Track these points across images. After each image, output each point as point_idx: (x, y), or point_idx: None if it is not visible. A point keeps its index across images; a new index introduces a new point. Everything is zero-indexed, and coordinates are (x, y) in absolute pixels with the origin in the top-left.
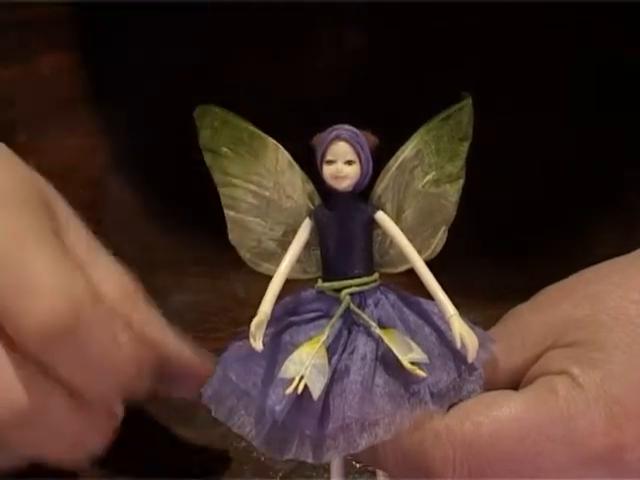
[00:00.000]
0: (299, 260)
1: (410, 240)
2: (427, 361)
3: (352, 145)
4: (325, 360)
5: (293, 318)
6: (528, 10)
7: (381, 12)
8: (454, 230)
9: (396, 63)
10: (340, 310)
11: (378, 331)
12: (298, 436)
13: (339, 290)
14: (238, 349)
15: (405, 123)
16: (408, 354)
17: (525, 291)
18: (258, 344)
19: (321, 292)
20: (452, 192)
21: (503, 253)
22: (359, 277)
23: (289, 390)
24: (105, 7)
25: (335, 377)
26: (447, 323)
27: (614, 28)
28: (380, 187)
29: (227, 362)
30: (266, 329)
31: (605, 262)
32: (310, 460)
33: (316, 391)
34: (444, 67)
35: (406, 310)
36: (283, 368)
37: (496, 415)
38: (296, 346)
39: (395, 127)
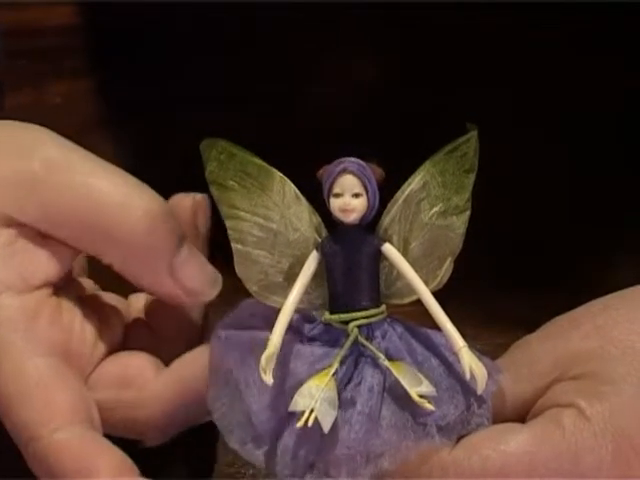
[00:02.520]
0: (306, 292)
1: (417, 271)
2: (435, 394)
3: (359, 178)
4: (335, 393)
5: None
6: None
7: (390, 42)
8: (461, 259)
9: (404, 95)
10: (348, 343)
11: (386, 363)
12: (302, 464)
13: (346, 322)
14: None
15: (412, 155)
16: (417, 387)
17: (534, 321)
18: (268, 377)
19: (328, 324)
20: (459, 224)
21: (511, 282)
22: (366, 309)
23: (300, 424)
24: (116, 36)
25: (340, 406)
26: (455, 355)
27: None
28: (387, 219)
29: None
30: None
31: (615, 293)
32: None
33: (326, 425)
34: (453, 98)
35: (414, 342)
36: (292, 402)
37: (504, 449)
38: (303, 379)
39: (402, 159)
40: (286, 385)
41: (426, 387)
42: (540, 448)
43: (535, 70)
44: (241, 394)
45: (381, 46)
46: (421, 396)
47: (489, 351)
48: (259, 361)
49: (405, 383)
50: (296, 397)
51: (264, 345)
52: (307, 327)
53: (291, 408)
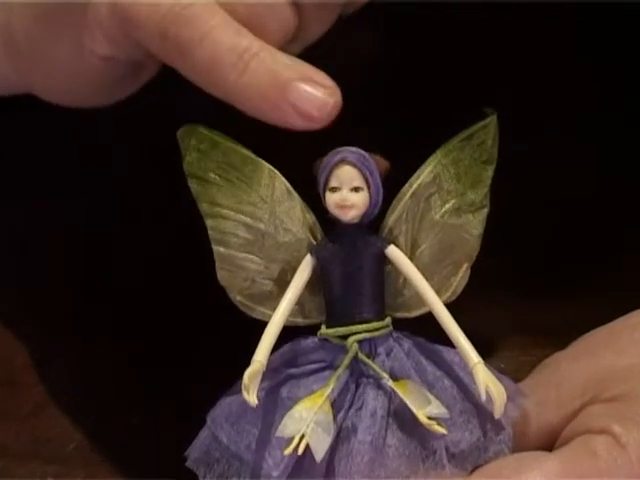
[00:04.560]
0: (299, 303)
1: (427, 279)
2: (447, 416)
3: (359, 170)
4: (330, 416)
5: (292, 370)
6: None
7: (398, 16)
8: (478, 266)
9: (412, 73)
10: (347, 360)
11: (390, 383)
12: None
13: (345, 337)
14: (228, 406)
15: (421, 143)
16: (425, 408)
17: (563, 336)
18: (252, 398)
19: (324, 340)
20: (475, 223)
21: (537, 291)
22: (368, 322)
23: (288, 451)
24: None
25: (341, 436)
26: (470, 374)
27: None
28: (392, 218)
29: (216, 421)
30: (261, 382)
31: None
32: None
33: (319, 452)
34: (467, 81)
35: (423, 360)
36: (281, 426)
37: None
38: (295, 401)
39: (409, 148)
40: (277, 412)
41: (436, 408)
42: (569, 478)
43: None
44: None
45: (390, 24)
46: (431, 418)
47: (511, 371)
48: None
49: (411, 403)
50: (285, 420)
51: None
52: (301, 343)
53: (278, 433)
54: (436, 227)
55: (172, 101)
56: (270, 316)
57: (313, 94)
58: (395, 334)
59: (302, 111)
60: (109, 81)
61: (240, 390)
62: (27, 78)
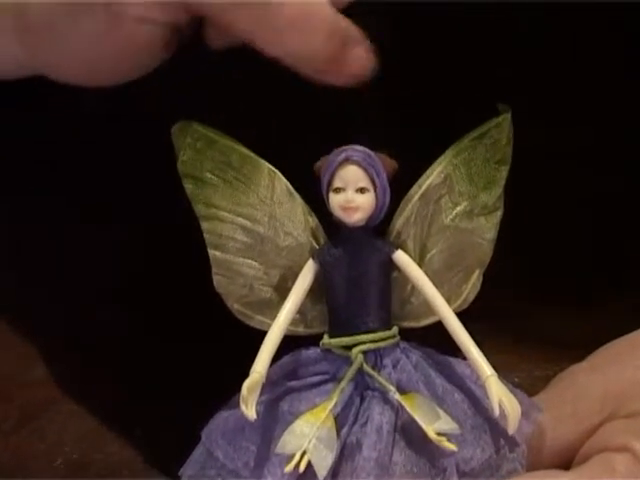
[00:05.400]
0: (300, 311)
1: (437, 286)
2: (458, 432)
3: (365, 169)
4: (333, 432)
5: (293, 383)
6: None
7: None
8: (491, 273)
9: (416, 70)
10: (351, 372)
11: (397, 397)
12: None
13: (349, 347)
14: (225, 421)
15: (431, 142)
16: (434, 423)
17: (580, 349)
18: (251, 411)
19: (327, 350)
20: (488, 227)
21: (554, 301)
22: (374, 332)
23: (288, 469)
24: None
25: (345, 453)
26: (482, 388)
27: None
28: (400, 221)
29: (211, 437)
30: (260, 395)
31: None
32: None
33: (322, 470)
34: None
35: (432, 372)
36: (281, 442)
37: None
38: (296, 416)
39: (418, 147)
40: (277, 427)
41: (446, 423)
42: None
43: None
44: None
45: (398, 21)
46: (440, 434)
47: (526, 385)
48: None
49: (419, 418)
50: (285, 436)
51: None
52: (303, 354)
53: (278, 449)
54: (446, 231)
55: (168, 97)
56: (270, 325)
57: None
58: (402, 345)
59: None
60: (134, 50)
61: (238, 403)
62: (40, 55)
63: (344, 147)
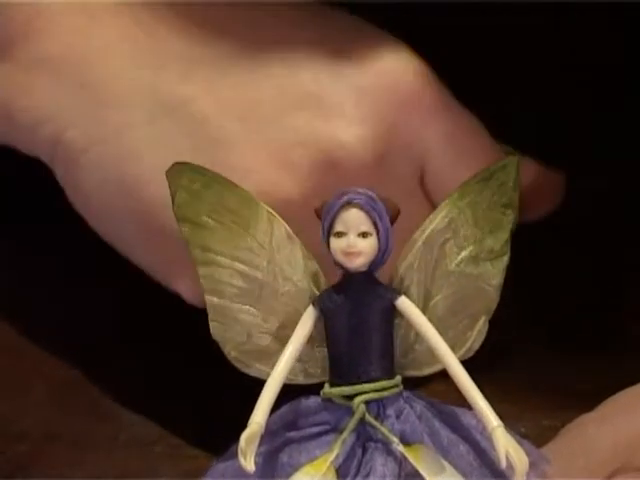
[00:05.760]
0: (300, 360)
1: (441, 333)
2: None
3: (367, 213)
4: None
5: (292, 433)
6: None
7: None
8: (496, 319)
9: None
10: (353, 422)
11: (401, 448)
12: None
13: (351, 397)
14: (222, 473)
15: None
16: (439, 475)
17: (590, 398)
18: (249, 463)
19: (328, 400)
20: (494, 272)
21: (562, 347)
22: (376, 381)
23: None
24: None
25: None
26: (489, 439)
27: None
28: (403, 266)
29: None
30: (258, 447)
31: None
32: None
33: None
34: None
35: (437, 423)
36: None
37: None
38: (296, 468)
39: None
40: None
41: (451, 476)
42: None
43: None
44: None
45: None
46: None
47: (534, 435)
48: None
49: (424, 470)
50: None
51: None
52: (303, 403)
53: None
54: (451, 277)
55: None
56: (268, 374)
57: None
58: (406, 394)
59: None
60: None
61: (236, 454)
62: None
63: (345, 189)
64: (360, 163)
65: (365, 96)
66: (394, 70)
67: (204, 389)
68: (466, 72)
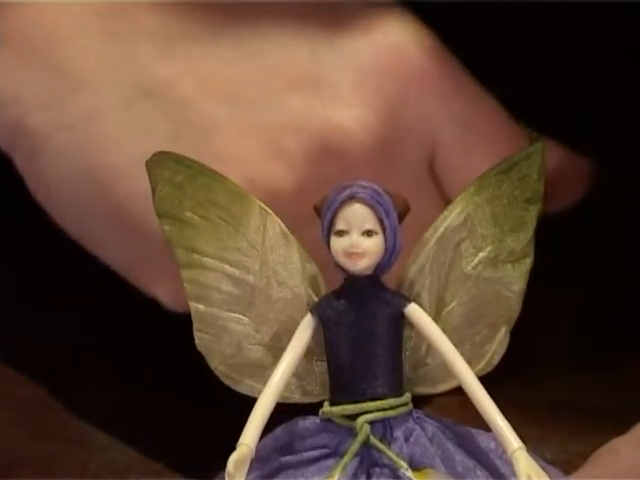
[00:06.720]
0: (296, 375)
1: (456, 345)
2: None
3: (372, 208)
4: None
5: (287, 458)
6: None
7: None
8: (520, 328)
9: None
10: (355, 445)
11: (410, 474)
12: None
13: (354, 417)
14: None
15: None
16: None
17: (622, 420)
18: None
19: (328, 420)
20: (515, 277)
21: (592, 366)
22: (382, 398)
23: None
24: None
25: None
26: (509, 463)
27: None
28: (413, 269)
29: None
30: (249, 473)
31: None
32: None
33: None
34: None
35: (451, 446)
36: None
37: None
38: None
39: None
40: None
41: None
42: None
43: None
44: None
45: None
46: None
47: (561, 460)
48: None
49: None
50: None
51: None
52: (299, 424)
53: None
54: (467, 281)
55: None
56: (260, 391)
57: None
58: (416, 414)
59: None
60: None
61: None
62: None
63: (348, 183)
64: (361, 150)
65: (366, 74)
66: (399, 44)
67: (186, 408)
68: (484, 48)
